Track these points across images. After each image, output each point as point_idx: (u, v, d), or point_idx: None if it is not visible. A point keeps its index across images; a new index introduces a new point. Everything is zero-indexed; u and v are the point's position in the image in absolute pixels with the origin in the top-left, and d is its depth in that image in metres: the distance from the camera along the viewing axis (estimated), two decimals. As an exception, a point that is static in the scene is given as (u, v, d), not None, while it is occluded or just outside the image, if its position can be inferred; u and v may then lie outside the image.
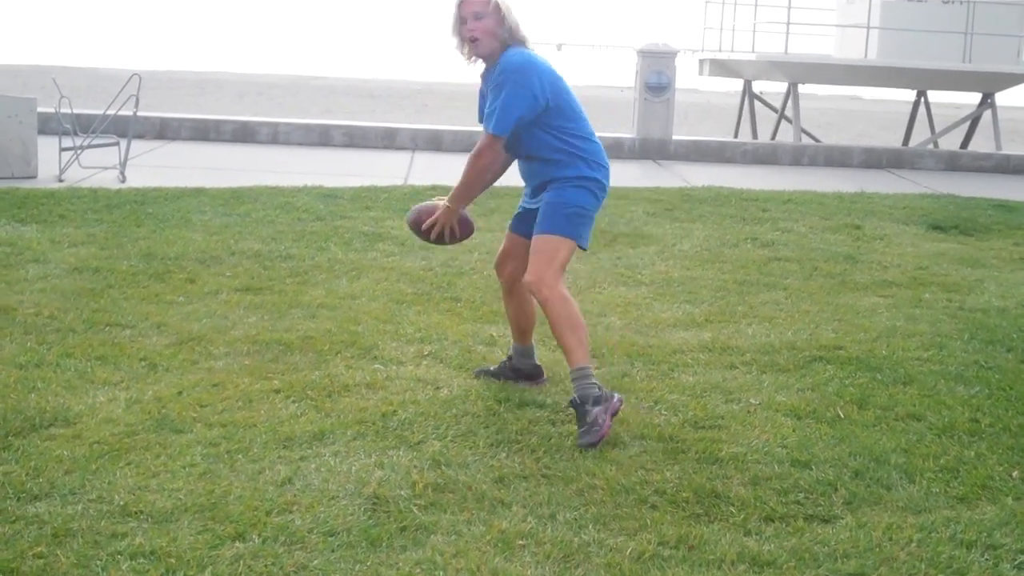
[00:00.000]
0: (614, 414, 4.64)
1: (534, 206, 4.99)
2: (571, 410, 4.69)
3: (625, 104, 16.88)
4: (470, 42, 4.79)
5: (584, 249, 4.98)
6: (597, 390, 4.63)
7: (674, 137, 16.00)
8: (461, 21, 4.80)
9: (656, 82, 15.70)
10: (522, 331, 5.27)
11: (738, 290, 7.42)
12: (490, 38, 4.77)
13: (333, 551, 3.53)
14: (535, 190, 5.01)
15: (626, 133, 16.42)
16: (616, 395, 4.71)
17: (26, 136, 11.28)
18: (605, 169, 4.94)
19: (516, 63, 4.75)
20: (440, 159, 14.72)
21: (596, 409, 4.56)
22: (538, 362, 5.35)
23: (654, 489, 4.11)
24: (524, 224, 5.06)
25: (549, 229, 4.82)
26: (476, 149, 4.85)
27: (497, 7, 4.76)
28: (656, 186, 12.24)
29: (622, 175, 13.45)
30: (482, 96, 4.98)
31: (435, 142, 15.92)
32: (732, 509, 3.99)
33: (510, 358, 5.33)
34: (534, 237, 4.87)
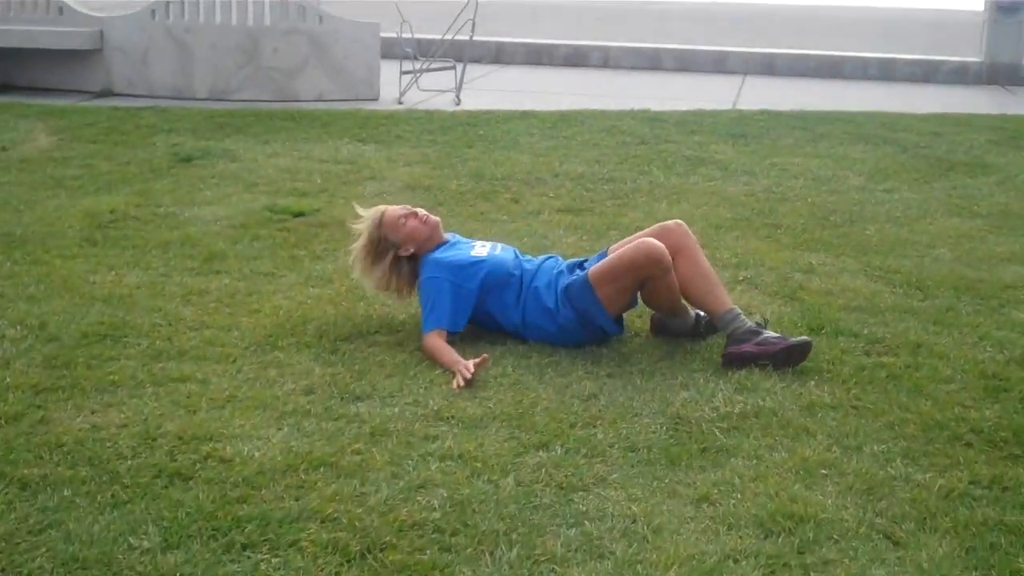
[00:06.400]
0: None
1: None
2: (875, 343, 4.49)
3: (973, 27, 15.93)
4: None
5: None
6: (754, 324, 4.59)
7: (1026, 61, 15.03)
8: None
9: (1009, 2, 14.79)
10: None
11: (1085, 224, 6.93)
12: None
13: (632, 466, 3.58)
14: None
15: (972, 57, 15.51)
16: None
17: (370, 60, 11.84)
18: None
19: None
20: (772, 83, 14.41)
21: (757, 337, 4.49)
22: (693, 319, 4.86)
23: (970, 427, 3.93)
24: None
25: None
26: None
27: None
28: (1002, 113, 11.55)
29: (965, 101, 12.78)
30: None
31: (768, 67, 15.58)
32: (1055, 452, 3.77)
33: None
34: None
